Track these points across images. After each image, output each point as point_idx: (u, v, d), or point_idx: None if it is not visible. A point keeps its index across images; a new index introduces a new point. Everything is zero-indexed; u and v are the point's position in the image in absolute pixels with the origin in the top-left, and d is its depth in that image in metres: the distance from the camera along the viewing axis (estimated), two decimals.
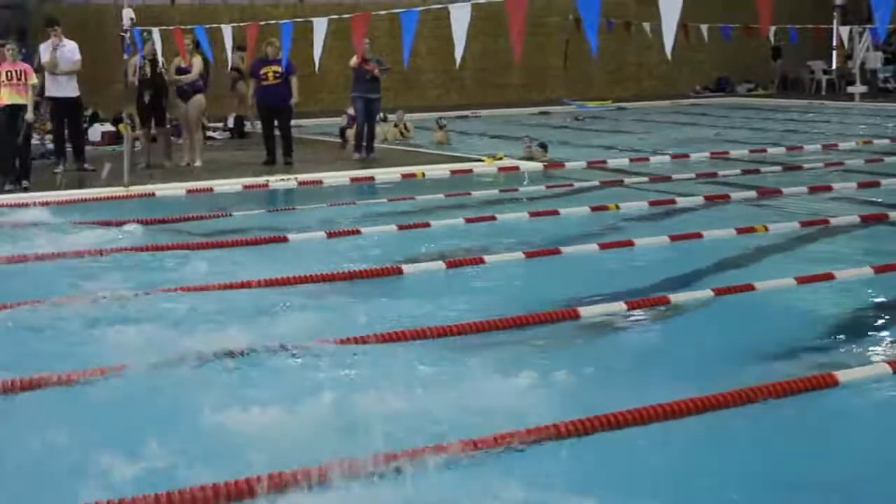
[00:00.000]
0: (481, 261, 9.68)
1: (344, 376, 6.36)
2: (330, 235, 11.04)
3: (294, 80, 16.84)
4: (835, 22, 30.90)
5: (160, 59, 16.42)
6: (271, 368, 6.46)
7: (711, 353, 7.16)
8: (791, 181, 14.46)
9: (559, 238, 10.73)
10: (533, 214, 12.06)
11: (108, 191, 13.95)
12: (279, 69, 16.39)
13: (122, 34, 15.70)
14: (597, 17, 8.34)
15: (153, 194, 14.03)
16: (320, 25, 13.19)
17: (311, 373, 6.39)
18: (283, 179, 14.91)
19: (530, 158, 17.12)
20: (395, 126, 20.87)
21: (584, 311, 7.89)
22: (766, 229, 10.93)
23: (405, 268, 9.40)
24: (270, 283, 8.68)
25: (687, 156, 17.65)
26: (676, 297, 8.27)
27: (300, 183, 14.87)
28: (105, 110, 21.02)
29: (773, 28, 27.66)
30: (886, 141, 19.74)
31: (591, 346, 7.37)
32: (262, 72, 16.88)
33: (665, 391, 5.94)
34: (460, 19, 10.04)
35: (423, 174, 15.57)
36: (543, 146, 17.65)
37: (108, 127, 20.10)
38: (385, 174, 15.49)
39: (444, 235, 11.19)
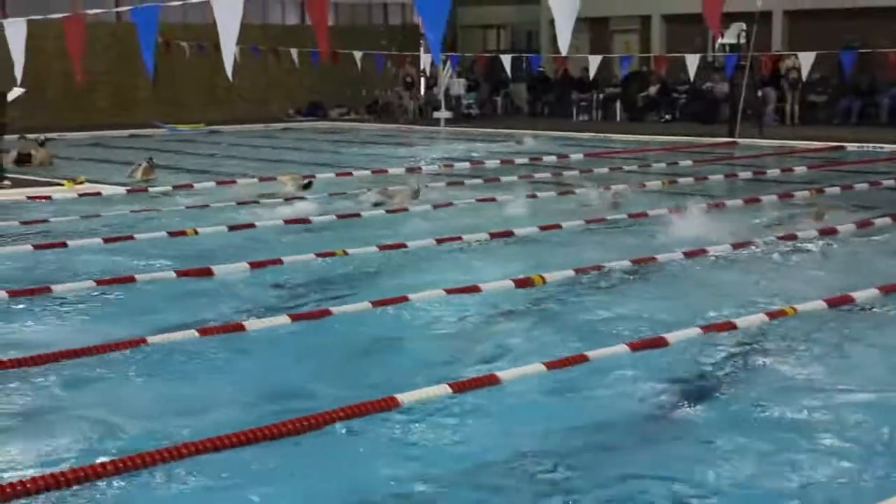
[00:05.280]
0: (49, 290, 9.20)
1: None
2: None
3: None
4: (421, 49, 32.02)
5: None
6: None
7: (277, 381, 7.09)
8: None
9: (133, 266, 10.40)
10: (108, 241, 11.64)
11: None
12: None
13: None
14: (153, 38, 8.14)
15: None
16: None
17: None
18: None
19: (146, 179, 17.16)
20: None
21: (153, 339, 7.63)
22: (346, 253, 10.99)
23: None
24: None
25: (274, 178, 17.62)
26: (251, 324, 8.15)
27: None
28: None
29: (360, 54, 28.43)
30: (467, 164, 20.54)
31: (158, 376, 7.14)
32: None
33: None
34: (16, 37, 9.46)
35: None
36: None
37: None
38: None
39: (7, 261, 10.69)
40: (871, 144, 23.24)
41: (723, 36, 25.16)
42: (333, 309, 8.64)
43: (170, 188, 16.50)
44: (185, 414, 6.37)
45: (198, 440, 5.59)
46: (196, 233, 12.13)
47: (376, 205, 14.54)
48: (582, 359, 7.09)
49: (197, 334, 7.83)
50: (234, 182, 17.37)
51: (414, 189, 15.26)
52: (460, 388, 6.49)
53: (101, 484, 5.18)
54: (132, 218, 13.57)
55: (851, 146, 23.26)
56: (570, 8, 6.30)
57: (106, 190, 16.05)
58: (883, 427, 6.07)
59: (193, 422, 6.18)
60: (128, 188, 16.28)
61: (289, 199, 14.96)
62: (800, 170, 19.23)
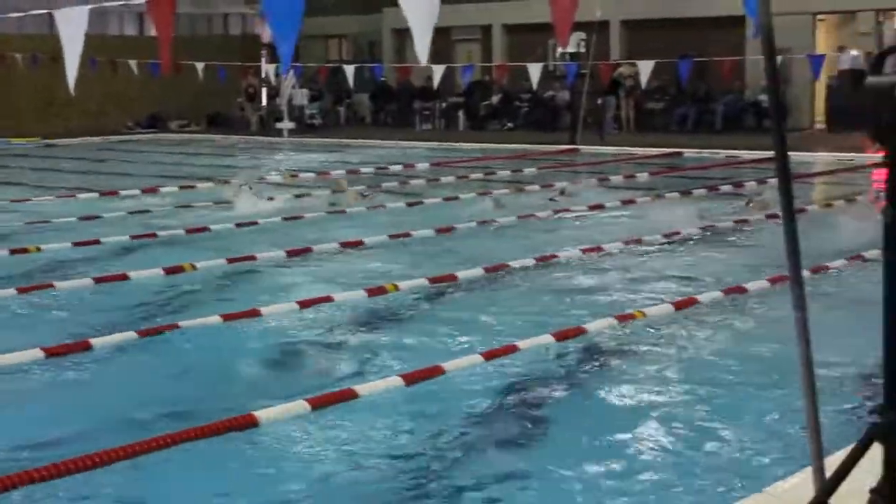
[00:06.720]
0: None
1: None
2: None
3: None
4: (263, 60, 31.75)
5: None
6: None
7: (131, 397, 6.91)
8: (221, 218, 14.47)
9: None
10: None
11: None
12: None
13: None
14: None
15: None
16: None
17: None
18: None
19: None
20: None
21: None
22: (194, 267, 10.76)
23: None
24: None
25: (116, 192, 17.23)
26: (98, 342, 7.92)
27: None
28: None
29: (201, 65, 28.02)
30: (312, 175, 20.42)
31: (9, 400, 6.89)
32: None
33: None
34: None
35: None
36: None
37: None
38: None
39: None
40: (707, 150, 23.88)
41: (564, 45, 25.55)
42: (182, 323, 8.46)
43: (7, 201, 16.00)
44: (26, 439, 6.15)
45: (33, 468, 5.27)
46: (39, 250, 11.74)
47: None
48: (438, 371, 7.07)
49: (42, 354, 7.58)
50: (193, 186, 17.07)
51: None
52: (318, 403, 6.40)
53: None
54: None
55: (689, 152, 23.85)
56: (429, 16, 6.28)
57: None
58: (730, 428, 6.22)
59: (35, 446, 5.97)
60: None
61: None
62: (641, 176, 19.65)
